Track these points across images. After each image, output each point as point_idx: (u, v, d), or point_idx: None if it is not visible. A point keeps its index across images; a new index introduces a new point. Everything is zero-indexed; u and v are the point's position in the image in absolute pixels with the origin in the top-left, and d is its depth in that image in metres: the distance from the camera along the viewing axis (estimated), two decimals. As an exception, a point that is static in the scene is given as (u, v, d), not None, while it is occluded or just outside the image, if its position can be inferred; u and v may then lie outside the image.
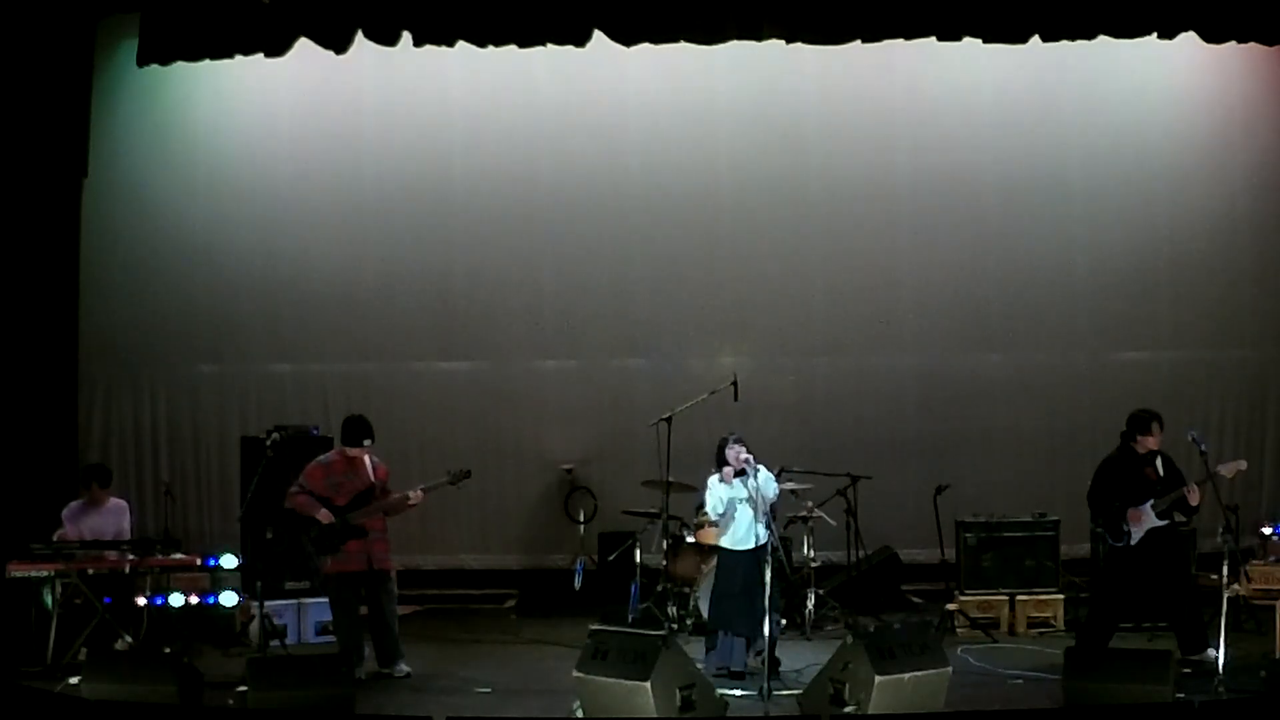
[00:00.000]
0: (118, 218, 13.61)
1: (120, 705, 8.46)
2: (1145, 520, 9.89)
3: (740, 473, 9.88)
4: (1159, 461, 10.08)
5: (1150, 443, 10.06)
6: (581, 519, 13.27)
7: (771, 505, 9.97)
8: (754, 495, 9.84)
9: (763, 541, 9.82)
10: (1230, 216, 13.68)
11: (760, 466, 9.97)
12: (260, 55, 12.62)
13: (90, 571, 10.61)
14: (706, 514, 10.63)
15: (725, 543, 10.15)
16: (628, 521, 12.34)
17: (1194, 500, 9.85)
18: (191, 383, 13.80)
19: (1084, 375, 13.67)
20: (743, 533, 10.02)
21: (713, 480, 10.08)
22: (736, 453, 9.90)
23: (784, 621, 10.62)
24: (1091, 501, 10.25)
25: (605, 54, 12.71)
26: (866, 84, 13.53)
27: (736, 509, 10.00)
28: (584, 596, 12.45)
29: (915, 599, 12.64)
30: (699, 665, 9.46)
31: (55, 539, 10.97)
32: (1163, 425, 10.12)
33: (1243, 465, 10.22)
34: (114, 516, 11.32)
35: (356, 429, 10.34)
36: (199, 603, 11.25)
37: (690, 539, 11.71)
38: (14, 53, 12.54)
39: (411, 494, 10.31)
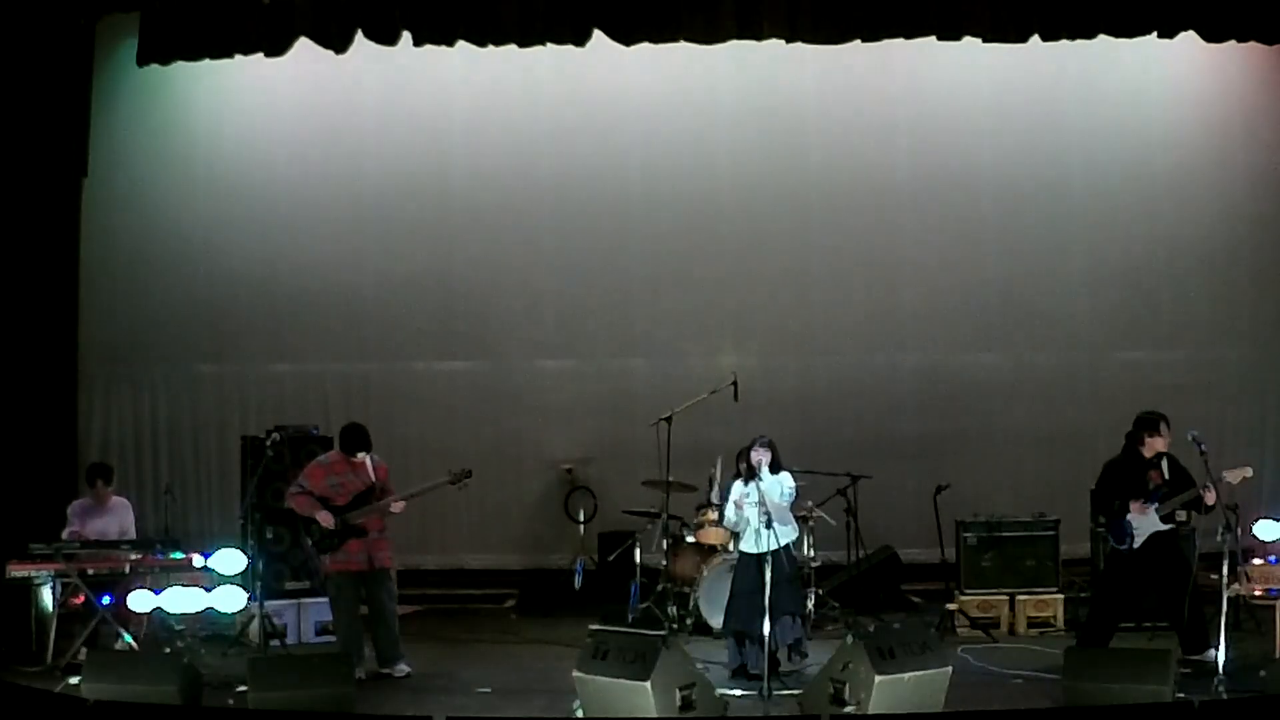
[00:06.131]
0: (118, 217, 13.60)
1: (120, 705, 8.45)
2: (1148, 514, 9.84)
3: (751, 475, 9.88)
4: (1165, 463, 10.04)
5: (1158, 444, 9.98)
6: (581, 519, 13.28)
7: (785, 508, 9.91)
8: (762, 498, 9.78)
9: (773, 545, 9.72)
10: (1230, 216, 13.67)
11: (778, 471, 9.90)
12: (260, 55, 12.63)
13: (90, 571, 10.59)
14: (708, 513, 10.56)
15: (742, 545, 10.10)
16: (628, 521, 12.34)
17: (1210, 500, 9.77)
18: (191, 383, 13.80)
19: (1084, 375, 13.68)
20: (751, 535, 9.96)
21: (736, 485, 10.06)
22: (755, 454, 9.89)
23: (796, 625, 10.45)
24: (1096, 501, 10.21)
25: (605, 54, 12.71)
26: (866, 84, 13.53)
27: (745, 511, 9.97)
28: (584, 596, 12.45)
29: (915, 599, 12.62)
30: (716, 665, 9.42)
31: (65, 536, 10.93)
32: (1170, 426, 10.08)
33: (1248, 472, 10.13)
34: (118, 515, 11.34)
35: (353, 440, 10.27)
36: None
37: (690, 539, 11.71)
38: (14, 53, 12.53)
39: (395, 505, 10.21)
